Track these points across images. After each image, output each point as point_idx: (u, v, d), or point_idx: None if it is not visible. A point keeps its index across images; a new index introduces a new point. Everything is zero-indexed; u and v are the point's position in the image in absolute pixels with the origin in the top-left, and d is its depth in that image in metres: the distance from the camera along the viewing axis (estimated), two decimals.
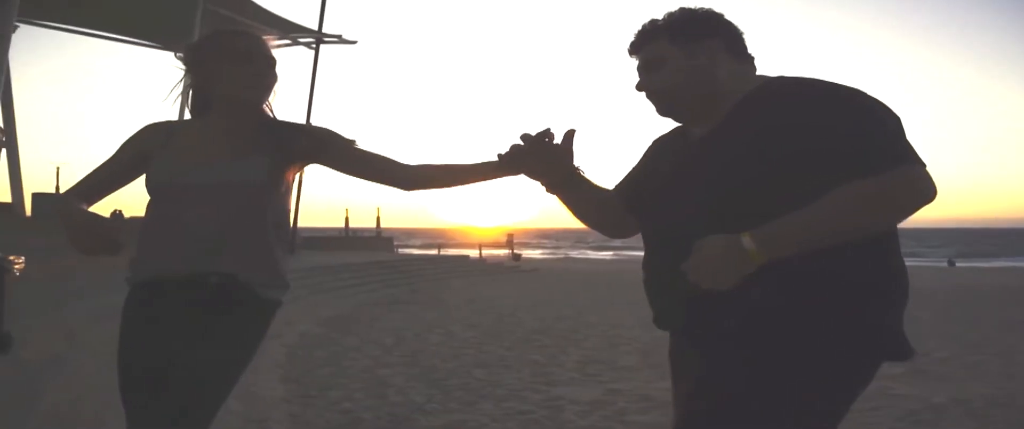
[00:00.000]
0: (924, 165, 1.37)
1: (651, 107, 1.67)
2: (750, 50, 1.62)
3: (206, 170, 1.88)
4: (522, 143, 1.77)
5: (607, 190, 1.87)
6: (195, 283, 1.82)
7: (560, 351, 6.78)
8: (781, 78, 1.56)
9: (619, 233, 1.89)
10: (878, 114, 1.42)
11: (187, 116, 2.06)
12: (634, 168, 1.84)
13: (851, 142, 1.37)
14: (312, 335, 7.69)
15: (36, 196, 16.51)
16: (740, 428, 1.44)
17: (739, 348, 1.45)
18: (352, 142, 2.01)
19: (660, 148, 1.78)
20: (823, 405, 1.46)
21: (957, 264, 26.18)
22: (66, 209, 1.81)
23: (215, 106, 1.95)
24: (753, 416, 1.43)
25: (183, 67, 1.98)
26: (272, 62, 1.95)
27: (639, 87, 1.65)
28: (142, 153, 1.96)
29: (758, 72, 1.62)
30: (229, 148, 1.91)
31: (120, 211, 1.88)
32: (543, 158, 1.78)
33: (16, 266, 4.80)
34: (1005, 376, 5.66)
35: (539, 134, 1.76)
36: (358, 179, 2.03)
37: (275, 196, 1.92)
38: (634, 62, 1.67)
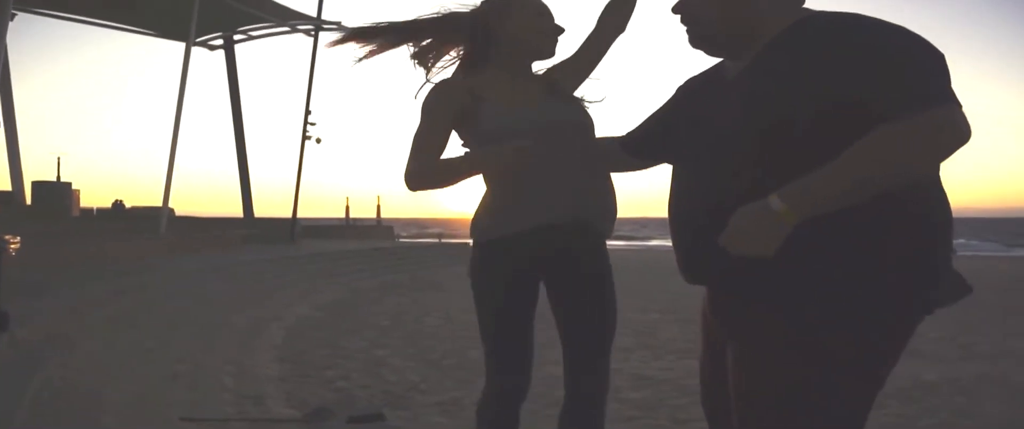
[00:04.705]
0: (959, 105, 1.26)
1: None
2: None
3: (538, 113, 1.95)
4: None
5: (605, 142, 1.94)
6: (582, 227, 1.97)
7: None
8: (823, 13, 1.40)
9: (625, 170, 1.96)
10: (915, 52, 1.29)
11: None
12: (652, 115, 1.77)
13: (884, 82, 1.26)
14: (310, 318, 7.74)
15: (36, 184, 16.56)
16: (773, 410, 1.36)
17: (764, 308, 1.36)
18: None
19: (691, 90, 1.65)
20: (859, 374, 1.35)
21: (958, 253, 26.11)
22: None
23: (500, 56, 2.01)
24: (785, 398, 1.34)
25: (483, 16, 2.00)
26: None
27: (674, 9, 1.52)
28: (456, 112, 1.97)
29: (806, 4, 1.47)
30: (541, 93, 2.00)
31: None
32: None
33: (11, 245, 4.84)
34: (998, 356, 5.70)
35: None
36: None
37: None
38: None
